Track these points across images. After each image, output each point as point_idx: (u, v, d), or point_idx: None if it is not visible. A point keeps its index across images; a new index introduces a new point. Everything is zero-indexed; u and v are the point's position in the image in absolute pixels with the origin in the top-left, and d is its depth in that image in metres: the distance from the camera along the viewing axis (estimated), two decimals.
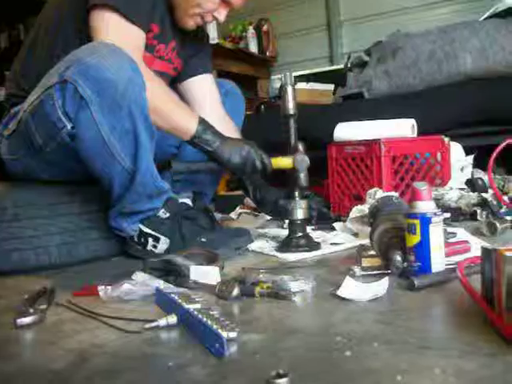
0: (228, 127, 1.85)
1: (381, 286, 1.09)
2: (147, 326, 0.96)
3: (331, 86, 3.39)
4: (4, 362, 0.88)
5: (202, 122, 1.56)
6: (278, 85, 2.79)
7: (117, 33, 1.48)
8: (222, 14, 1.70)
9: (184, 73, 1.92)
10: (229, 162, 1.58)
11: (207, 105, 1.91)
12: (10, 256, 1.52)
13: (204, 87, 1.95)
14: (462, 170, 2.38)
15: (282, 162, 1.62)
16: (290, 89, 1.62)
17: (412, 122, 2.20)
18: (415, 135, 2.21)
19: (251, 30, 4.60)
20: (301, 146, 1.61)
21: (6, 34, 5.49)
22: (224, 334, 0.83)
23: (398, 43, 2.85)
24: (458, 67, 2.59)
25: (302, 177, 1.60)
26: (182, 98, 1.93)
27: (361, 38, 4.10)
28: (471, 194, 2.05)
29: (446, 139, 2.27)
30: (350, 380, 0.72)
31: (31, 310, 1.07)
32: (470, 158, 2.40)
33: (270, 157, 1.62)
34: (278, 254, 1.55)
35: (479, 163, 2.37)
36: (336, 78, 3.32)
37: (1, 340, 0.99)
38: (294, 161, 1.59)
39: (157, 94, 1.49)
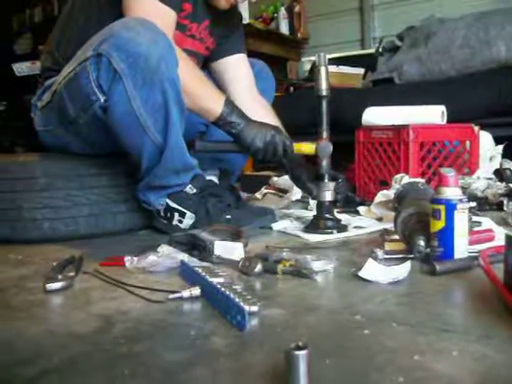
0: (262, 107, 1.87)
1: (402, 270, 1.10)
2: (171, 296, 0.99)
3: (361, 70, 3.36)
4: (33, 323, 0.91)
5: (228, 103, 1.57)
6: (308, 67, 2.78)
7: (149, 12, 1.48)
8: None
9: (218, 52, 1.92)
10: (251, 146, 1.58)
11: (241, 85, 1.92)
12: (40, 225, 1.56)
13: (238, 67, 1.95)
14: (490, 159, 2.36)
15: (305, 147, 1.62)
16: (323, 70, 1.61)
17: (442, 108, 2.18)
18: (445, 122, 2.19)
19: (283, 11, 4.56)
20: (325, 133, 1.61)
21: (40, 9, 5.54)
22: (246, 308, 0.85)
23: (432, 28, 2.82)
24: (491, 55, 2.55)
25: (324, 164, 1.59)
26: (215, 77, 1.94)
27: (393, 23, 4.03)
28: (498, 184, 2.03)
29: (476, 128, 2.24)
30: (367, 357, 0.73)
31: (60, 277, 1.10)
32: (500, 147, 2.37)
33: (293, 142, 1.62)
34: (302, 234, 1.56)
35: (508, 153, 2.35)
36: (367, 62, 3.29)
37: (30, 303, 1.02)
38: (316, 147, 1.59)
39: (185, 73, 1.50)
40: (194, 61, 1.81)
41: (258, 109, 1.73)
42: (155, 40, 1.41)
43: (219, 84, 1.92)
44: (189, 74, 1.53)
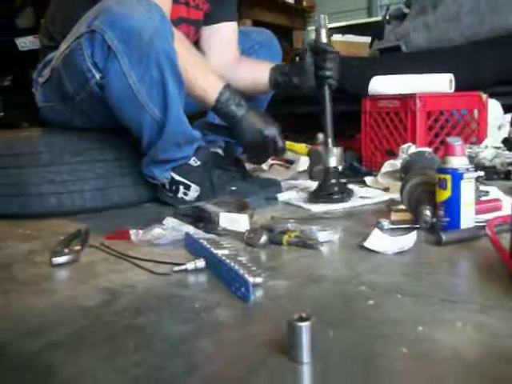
0: (249, 67, 1.84)
1: (408, 240, 1.09)
2: (176, 268, 0.99)
3: (368, 39, 3.32)
4: (39, 297, 0.92)
5: (226, 91, 1.53)
6: (314, 36, 2.74)
7: None
8: None
9: (208, 18, 1.88)
10: (242, 140, 1.59)
11: (228, 53, 1.89)
12: (47, 199, 1.57)
13: (227, 35, 1.91)
14: (499, 128, 2.34)
15: (298, 148, 1.61)
16: (323, 31, 1.58)
17: (450, 76, 2.14)
18: (452, 91, 2.16)
19: None
20: (321, 137, 1.59)
21: None
22: (250, 279, 0.85)
23: None
24: (501, 22, 2.51)
25: (315, 169, 1.57)
26: (203, 41, 1.90)
27: None
28: (507, 153, 2.01)
29: (484, 96, 2.21)
30: (371, 328, 0.73)
31: (66, 251, 1.11)
32: (508, 116, 2.35)
33: (286, 139, 1.61)
34: (307, 205, 1.55)
35: None
36: (373, 30, 3.25)
37: (36, 277, 1.03)
38: (309, 151, 1.58)
39: (181, 58, 1.46)
40: (192, 31, 1.79)
41: (245, 72, 1.74)
42: (148, 14, 1.38)
43: (203, 49, 1.89)
44: (185, 59, 1.48)
